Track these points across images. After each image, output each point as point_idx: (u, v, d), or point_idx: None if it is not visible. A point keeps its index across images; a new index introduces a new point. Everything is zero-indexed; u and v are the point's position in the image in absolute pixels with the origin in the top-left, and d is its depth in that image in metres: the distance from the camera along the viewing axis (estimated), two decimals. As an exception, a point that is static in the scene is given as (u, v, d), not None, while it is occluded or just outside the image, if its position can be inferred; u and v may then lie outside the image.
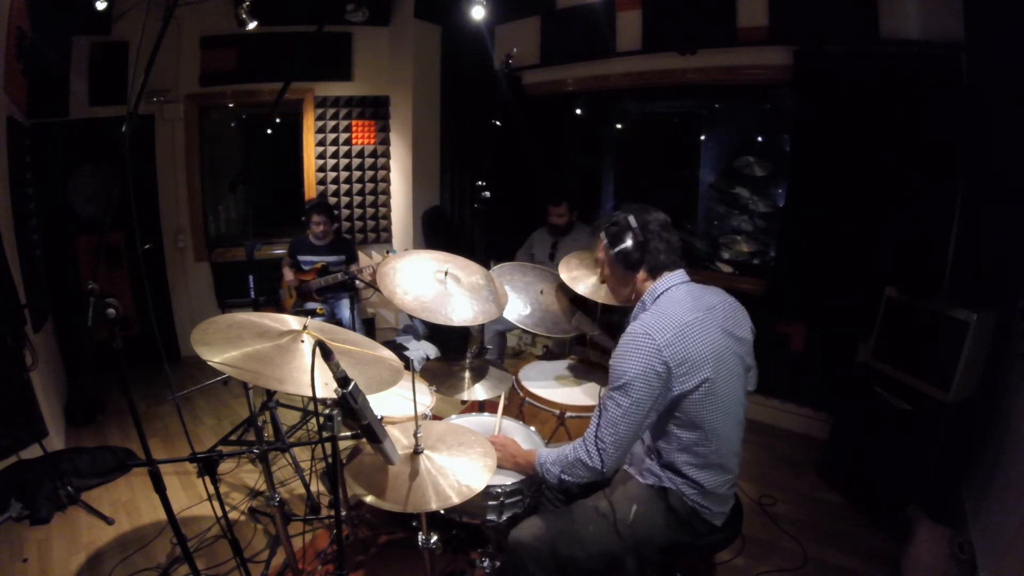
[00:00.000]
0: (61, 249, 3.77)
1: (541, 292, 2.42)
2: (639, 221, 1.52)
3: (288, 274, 3.64)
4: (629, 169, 4.48)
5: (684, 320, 1.40)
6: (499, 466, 1.63)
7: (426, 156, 4.66)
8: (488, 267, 2.26)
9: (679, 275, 1.52)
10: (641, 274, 1.54)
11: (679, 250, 1.55)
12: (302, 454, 2.80)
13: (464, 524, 1.71)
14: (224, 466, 2.77)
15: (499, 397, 2.05)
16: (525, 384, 2.16)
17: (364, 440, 1.28)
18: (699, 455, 1.44)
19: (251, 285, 2.70)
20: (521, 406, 2.12)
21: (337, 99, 4.56)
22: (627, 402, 1.37)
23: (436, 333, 4.26)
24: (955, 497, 2.31)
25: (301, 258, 3.70)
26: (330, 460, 1.25)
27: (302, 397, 3.30)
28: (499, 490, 1.58)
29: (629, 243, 1.51)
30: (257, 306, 2.80)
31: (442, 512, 1.57)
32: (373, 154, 4.76)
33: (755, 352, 1.57)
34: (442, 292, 1.93)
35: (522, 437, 1.89)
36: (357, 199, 4.79)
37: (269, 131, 4.59)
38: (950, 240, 2.59)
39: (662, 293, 1.49)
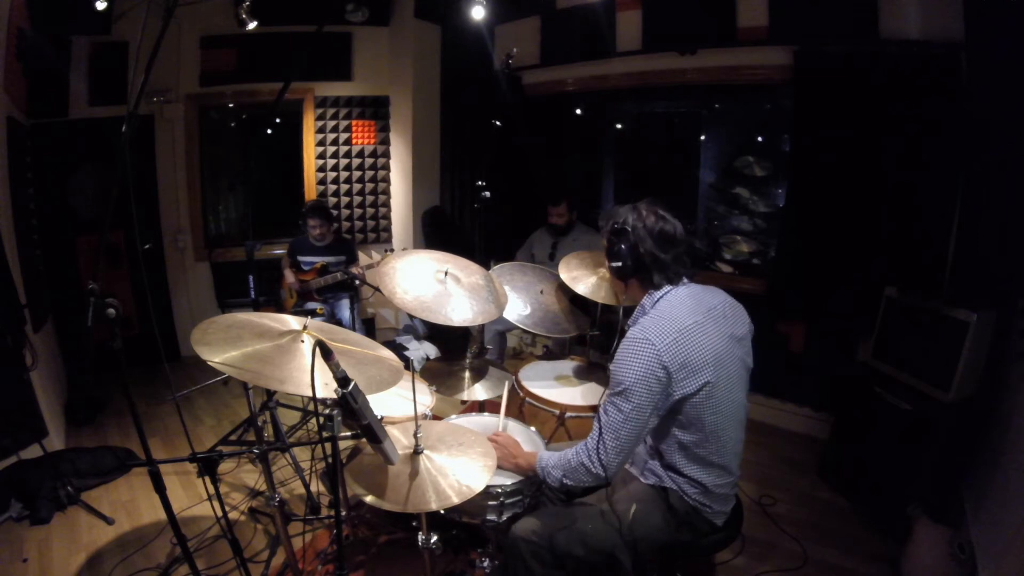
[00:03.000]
0: (61, 249, 3.77)
1: (541, 292, 2.42)
2: (636, 236, 1.47)
3: (289, 276, 3.64)
4: (629, 169, 4.47)
5: (684, 324, 1.39)
6: (499, 466, 1.63)
7: (426, 156, 4.65)
8: (488, 267, 2.26)
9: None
10: (634, 282, 1.53)
11: (684, 262, 1.50)
12: (302, 454, 2.80)
13: (464, 524, 1.71)
14: (224, 466, 2.77)
15: (499, 397, 2.06)
16: (525, 384, 2.16)
17: (364, 440, 1.28)
18: (700, 456, 1.44)
19: (251, 285, 2.70)
20: (521, 406, 2.12)
21: (337, 99, 4.56)
22: (628, 407, 1.37)
23: (436, 333, 4.26)
24: (955, 497, 2.31)
25: (301, 258, 3.70)
26: (330, 460, 1.25)
27: (302, 397, 3.30)
28: (499, 490, 1.58)
29: (622, 260, 1.49)
30: (257, 306, 2.80)
31: (442, 512, 1.57)
32: (373, 154, 4.76)
33: (755, 352, 1.57)
34: (442, 292, 1.93)
35: (523, 437, 1.88)
36: (357, 199, 4.79)
37: (269, 131, 4.60)
38: (950, 240, 2.59)
39: (662, 297, 1.47)
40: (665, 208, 1.53)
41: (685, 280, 1.51)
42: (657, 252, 1.47)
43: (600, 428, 1.42)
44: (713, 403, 1.40)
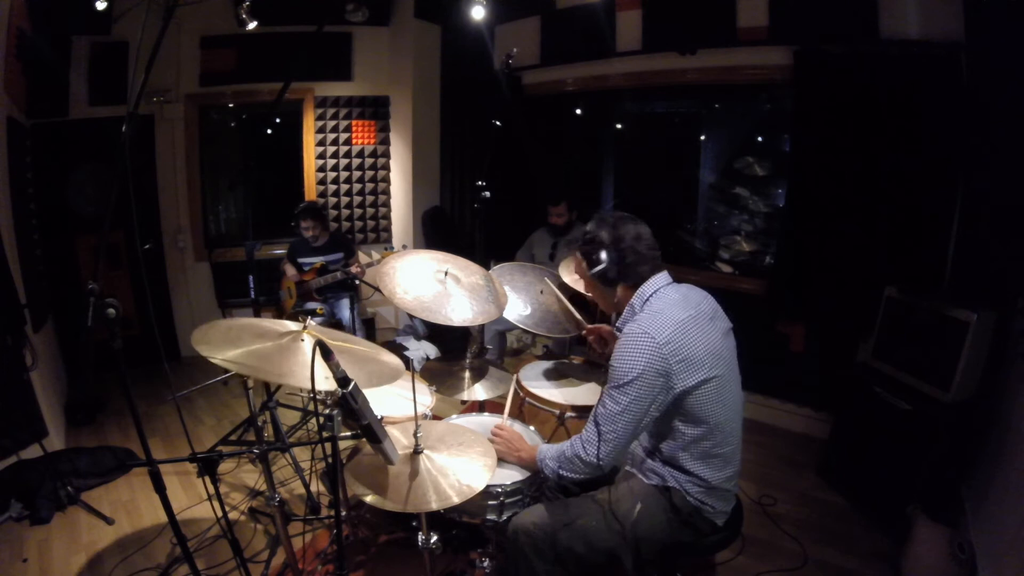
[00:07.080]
0: (61, 249, 3.77)
1: (541, 292, 2.42)
2: (611, 237, 1.53)
3: (289, 270, 3.65)
4: (629, 169, 4.48)
5: (680, 318, 1.42)
6: (501, 459, 1.65)
7: (426, 156, 4.66)
8: (488, 267, 2.26)
9: (663, 277, 1.54)
10: (621, 287, 1.56)
11: (658, 256, 1.56)
12: (302, 454, 2.80)
13: (464, 524, 1.71)
14: (224, 466, 2.77)
15: (500, 397, 2.05)
16: (525, 384, 2.15)
17: (364, 440, 1.28)
18: (702, 450, 1.45)
19: (251, 285, 2.71)
20: (521, 406, 2.12)
21: (337, 99, 4.56)
22: (626, 400, 1.39)
23: (436, 333, 4.26)
24: (955, 497, 2.31)
25: (300, 260, 3.70)
26: (330, 460, 1.25)
27: (302, 397, 3.30)
28: (499, 490, 1.58)
29: (604, 263, 1.53)
30: (257, 306, 2.80)
31: (442, 512, 1.57)
32: (373, 154, 4.76)
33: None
34: (442, 292, 1.93)
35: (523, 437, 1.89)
36: (357, 199, 4.79)
37: (269, 131, 4.60)
38: (950, 240, 2.59)
39: (651, 295, 1.50)
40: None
41: (669, 279, 1.54)
42: (635, 245, 1.52)
43: (596, 420, 1.45)
44: (715, 395, 1.42)
